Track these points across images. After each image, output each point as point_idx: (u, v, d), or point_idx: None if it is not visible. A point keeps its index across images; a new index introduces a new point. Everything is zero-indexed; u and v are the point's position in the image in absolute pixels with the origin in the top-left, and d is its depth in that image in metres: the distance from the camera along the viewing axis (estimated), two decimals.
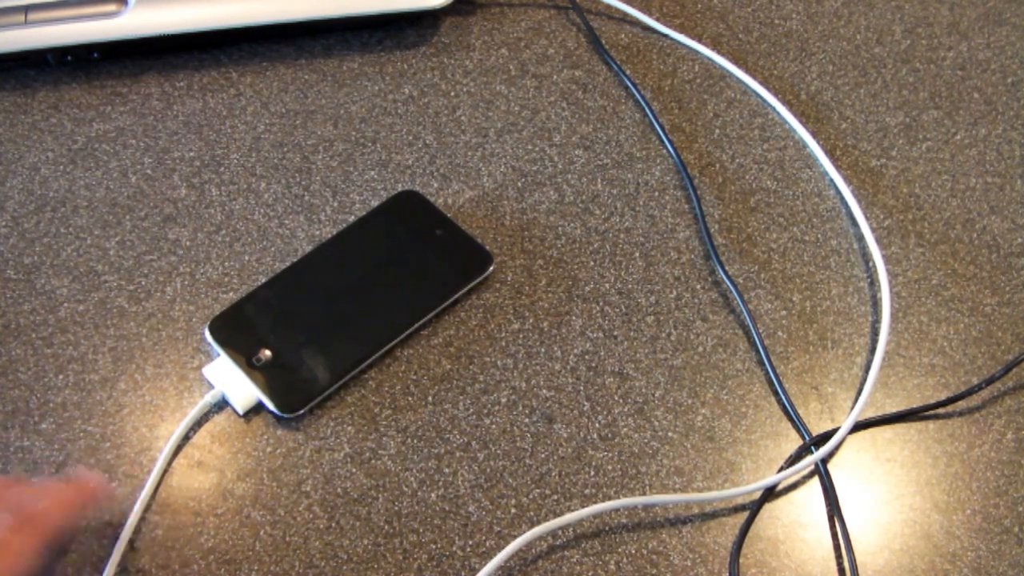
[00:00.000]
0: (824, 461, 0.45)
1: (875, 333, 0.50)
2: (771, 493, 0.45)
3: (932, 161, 0.57)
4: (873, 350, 0.50)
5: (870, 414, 0.47)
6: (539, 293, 0.50)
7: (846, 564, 0.43)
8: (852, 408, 0.47)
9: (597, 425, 0.46)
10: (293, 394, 0.45)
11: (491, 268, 0.50)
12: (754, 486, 0.44)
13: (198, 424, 0.45)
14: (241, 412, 0.45)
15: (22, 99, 0.57)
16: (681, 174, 0.55)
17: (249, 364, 0.45)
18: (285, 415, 0.45)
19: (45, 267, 0.50)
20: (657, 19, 0.63)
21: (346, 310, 0.47)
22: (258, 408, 0.46)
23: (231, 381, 0.45)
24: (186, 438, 0.45)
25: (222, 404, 0.46)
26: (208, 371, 0.46)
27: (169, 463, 0.44)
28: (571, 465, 0.45)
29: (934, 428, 0.47)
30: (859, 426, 0.47)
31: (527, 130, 0.57)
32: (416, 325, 0.48)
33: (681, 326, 0.50)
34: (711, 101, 0.59)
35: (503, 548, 0.42)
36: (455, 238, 0.50)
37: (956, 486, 0.45)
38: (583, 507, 0.44)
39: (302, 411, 0.45)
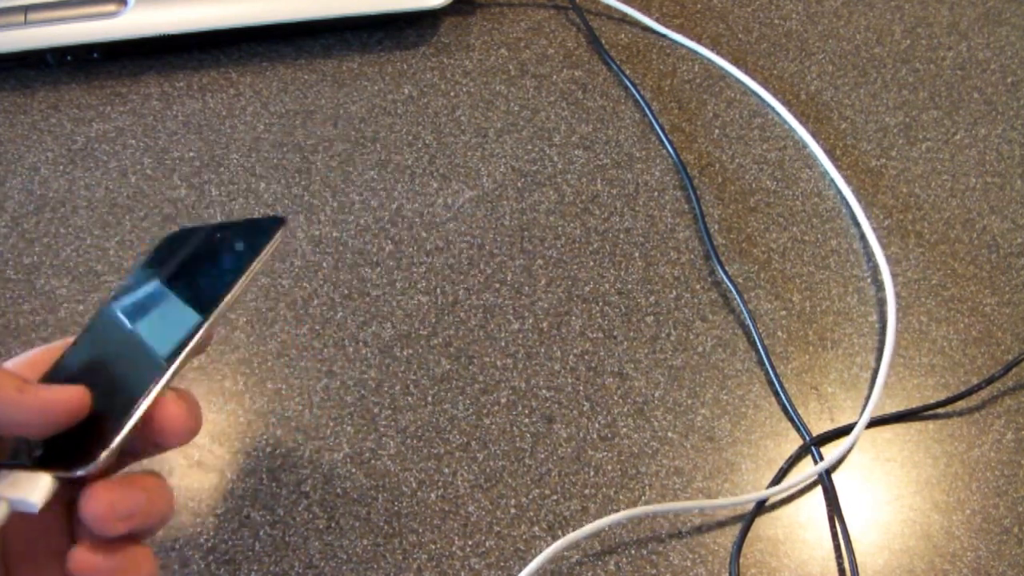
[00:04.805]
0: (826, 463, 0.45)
1: (876, 333, 0.50)
2: (771, 494, 0.45)
3: (932, 161, 0.57)
4: (875, 350, 0.50)
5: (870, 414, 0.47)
6: (539, 293, 0.50)
7: (846, 564, 0.43)
8: (861, 414, 0.47)
9: (597, 425, 0.46)
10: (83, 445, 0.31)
11: (285, 224, 0.37)
12: (754, 496, 0.44)
13: None
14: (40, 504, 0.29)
15: (22, 99, 0.57)
16: (681, 174, 0.55)
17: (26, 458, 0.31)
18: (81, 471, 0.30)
19: (45, 267, 0.50)
20: (657, 19, 0.63)
21: (119, 339, 0.36)
22: (259, 410, 0.46)
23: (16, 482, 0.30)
24: None
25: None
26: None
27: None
28: (571, 465, 0.45)
29: (934, 428, 0.47)
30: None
31: (527, 130, 0.57)
32: (217, 309, 0.35)
33: (681, 326, 0.50)
34: (711, 101, 0.59)
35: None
36: (237, 227, 0.39)
37: (956, 486, 0.45)
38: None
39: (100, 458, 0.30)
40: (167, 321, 0.37)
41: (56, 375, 0.34)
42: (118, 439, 0.31)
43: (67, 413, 0.29)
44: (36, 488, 0.30)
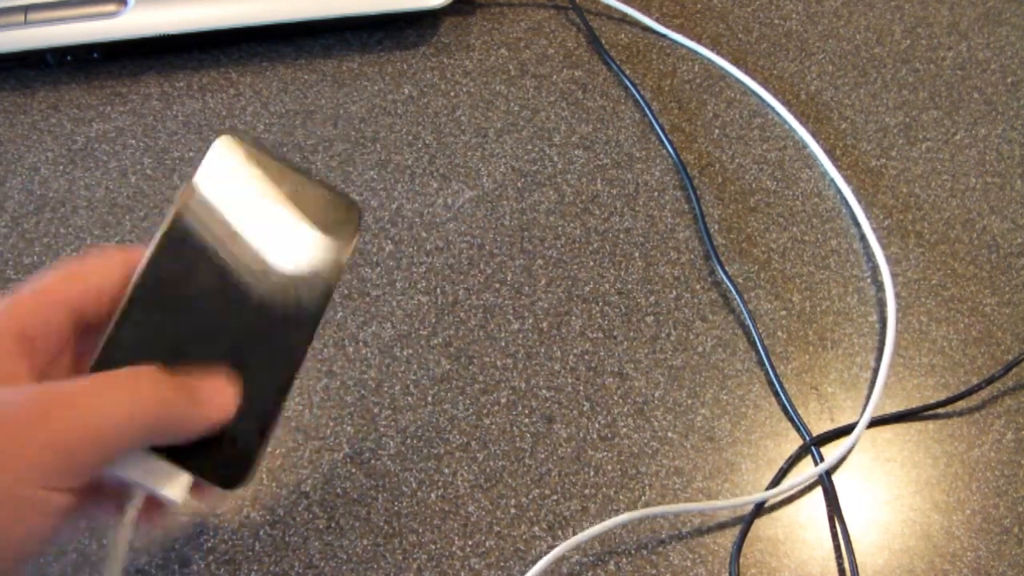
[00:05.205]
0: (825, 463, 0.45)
1: (876, 333, 0.50)
2: (771, 495, 0.45)
3: (932, 161, 0.57)
4: (875, 350, 0.50)
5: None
6: (539, 293, 0.50)
7: (846, 564, 0.43)
8: (861, 414, 0.48)
9: (597, 425, 0.46)
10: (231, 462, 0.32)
11: (360, 220, 0.35)
12: (755, 496, 0.44)
13: None
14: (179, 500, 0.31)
15: (22, 99, 0.57)
16: (681, 174, 0.55)
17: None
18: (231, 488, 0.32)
19: (45, 267, 0.50)
20: (657, 19, 0.63)
21: (228, 335, 0.33)
22: None
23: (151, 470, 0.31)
24: None
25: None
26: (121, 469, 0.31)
27: None
28: (570, 465, 0.45)
29: (934, 428, 0.47)
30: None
31: (527, 130, 0.57)
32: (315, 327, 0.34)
33: (681, 326, 0.50)
34: (711, 101, 0.59)
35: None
36: (311, 193, 0.35)
37: (956, 486, 0.45)
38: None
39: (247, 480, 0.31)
40: (263, 298, 0.33)
41: (164, 346, 0.31)
42: (265, 449, 0.31)
43: (221, 423, 0.29)
44: (176, 485, 0.31)
